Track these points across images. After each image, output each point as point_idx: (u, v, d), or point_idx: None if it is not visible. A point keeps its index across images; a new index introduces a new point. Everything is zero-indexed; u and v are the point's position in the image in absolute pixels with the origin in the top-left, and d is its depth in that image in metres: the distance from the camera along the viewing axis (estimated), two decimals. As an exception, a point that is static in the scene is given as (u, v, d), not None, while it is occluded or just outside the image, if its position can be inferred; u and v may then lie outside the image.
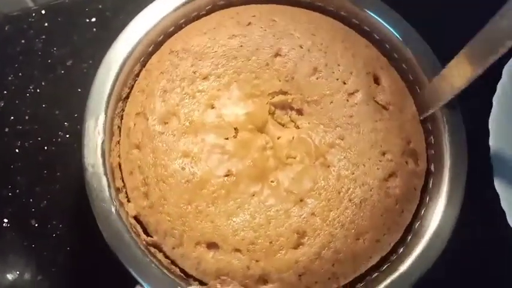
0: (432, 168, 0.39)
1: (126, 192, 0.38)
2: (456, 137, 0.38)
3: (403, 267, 0.36)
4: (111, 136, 0.38)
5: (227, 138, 0.37)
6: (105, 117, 0.37)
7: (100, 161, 0.36)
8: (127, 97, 0.40)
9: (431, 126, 0.40)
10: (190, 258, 0.36)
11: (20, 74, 0.47)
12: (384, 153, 0.37)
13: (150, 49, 0.41)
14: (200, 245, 0.35)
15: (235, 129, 0.38)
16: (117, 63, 0.39)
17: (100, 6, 0.49)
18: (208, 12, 0.42)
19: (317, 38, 0.40)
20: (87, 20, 0.49)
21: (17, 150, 0.45)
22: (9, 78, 0.47)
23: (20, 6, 0.49)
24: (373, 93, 0.39)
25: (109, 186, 0.36)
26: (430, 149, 0.40)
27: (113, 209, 0.35)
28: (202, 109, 0.38)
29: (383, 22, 0.41)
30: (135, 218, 0.37)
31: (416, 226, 0.38)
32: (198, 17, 0.42)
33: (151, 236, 0.36)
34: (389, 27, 0.41)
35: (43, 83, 0.47)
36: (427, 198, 0.38)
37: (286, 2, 0.42)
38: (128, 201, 0.37)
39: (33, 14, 0.48)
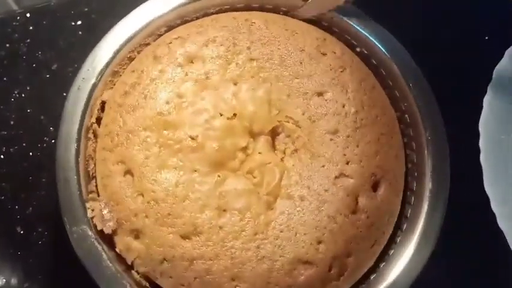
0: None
1: (114, 84, 0.39)
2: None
3: None
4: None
5: (222, 115, 0.37)
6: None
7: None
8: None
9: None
10: (107, 167, 0.36)
11: (5, 78, 0.47)
12: (320, 242, 0.35)
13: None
14: (122, 164, 0.36)
15: (234, 114, 0.37)
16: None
17: (86, 9, 0.49)
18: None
19: (363, 112, 0.38)
20: (73, 23, 0.48)
21: (1, 156, 0.45)
22: (-6, 82, 0.47)
23: (4, 9, 0.49)
24: (363, 193, 0.37)
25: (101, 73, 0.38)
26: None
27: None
28: (225, 78, 0.38)
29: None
30: (102, 105, 0.38)
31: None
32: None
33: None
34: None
35: (28, 88, 0.47)
36: None
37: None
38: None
39: (18, 18, 0.48)
